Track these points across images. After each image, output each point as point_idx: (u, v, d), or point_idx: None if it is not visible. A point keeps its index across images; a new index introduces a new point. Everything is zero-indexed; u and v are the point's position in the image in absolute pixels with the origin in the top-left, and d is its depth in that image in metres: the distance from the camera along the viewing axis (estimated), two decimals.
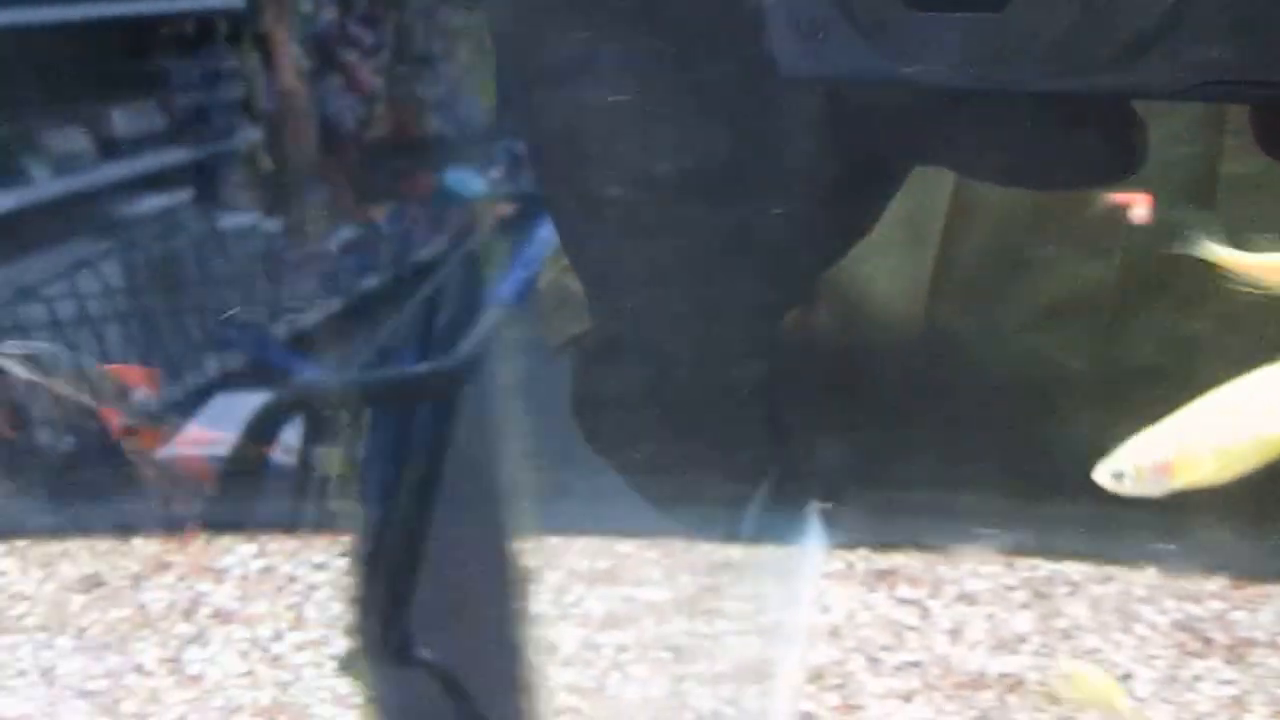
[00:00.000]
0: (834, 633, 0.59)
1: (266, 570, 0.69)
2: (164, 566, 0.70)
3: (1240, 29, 0.35)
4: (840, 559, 0.64)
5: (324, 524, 0.72)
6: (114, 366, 0.50)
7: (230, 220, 2.67)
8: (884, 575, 0.63)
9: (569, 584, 0.65)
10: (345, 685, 0.57)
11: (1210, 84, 0.38)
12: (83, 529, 0.75)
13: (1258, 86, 0.37)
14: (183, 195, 2.75)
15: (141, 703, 0.57)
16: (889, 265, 0.70)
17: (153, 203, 2.68)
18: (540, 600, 0.64)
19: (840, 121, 0.54)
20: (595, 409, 0.71)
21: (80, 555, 0.73)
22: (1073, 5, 0.38)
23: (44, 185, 2.49)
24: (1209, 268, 0.63)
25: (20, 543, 0.75)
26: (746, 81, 0.53)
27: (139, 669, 0.60)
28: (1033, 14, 0.38)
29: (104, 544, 0.74)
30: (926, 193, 0.68)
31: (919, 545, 0.65)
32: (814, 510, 0.65)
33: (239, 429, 1.03)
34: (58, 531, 0.75)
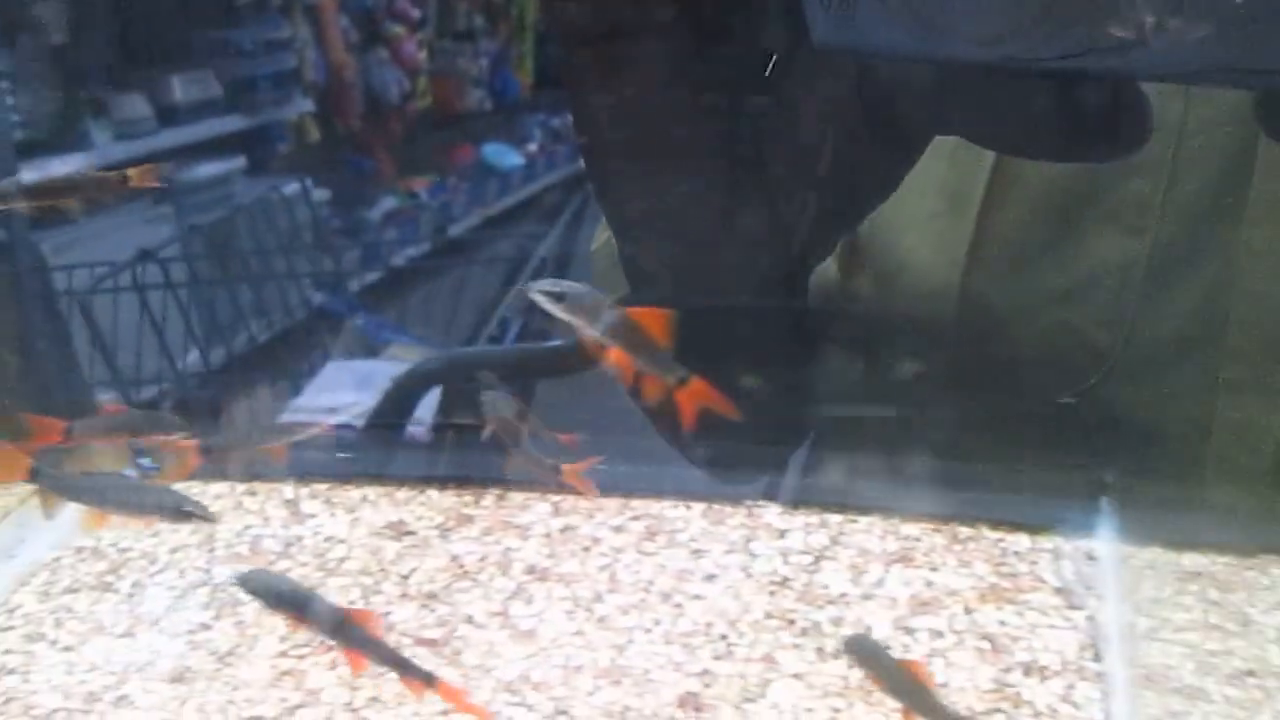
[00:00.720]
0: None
1: (567, 529, 0.71)
2: (466, 519, 0.73)
3: (1241, 17, 0.36)
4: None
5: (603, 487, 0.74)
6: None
7: (280, 188, 2.72)
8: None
9: (864, 563, 0.66)
10: (678, 652, 0.60)
11: (1214, 69, 0.38)
12: (375, 477, 0.79)
13: (1260, 73, 0.37)
14: (236, 163, 2.82)
15: (481, 655, 0.60)
16: (931, 235, 0.71)
17: (208, 169, 2.75)
18: (839, 576, 0.66)
19: (865, 90, 0.55)
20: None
21: (380, 503, 0.76)
22: None
23: (107, 149, 2.57)
24: (1237, 245, 0.63)
25: (320, 486, 0.78)
26: (779, 50, 0.55)
27: (470, 620, 0.63)
28: None
29: (401, 493, 0.77)
30: (969, 167, 0.68)
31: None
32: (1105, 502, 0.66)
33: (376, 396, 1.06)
34: (352, 478, 0.79)
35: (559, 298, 0.46)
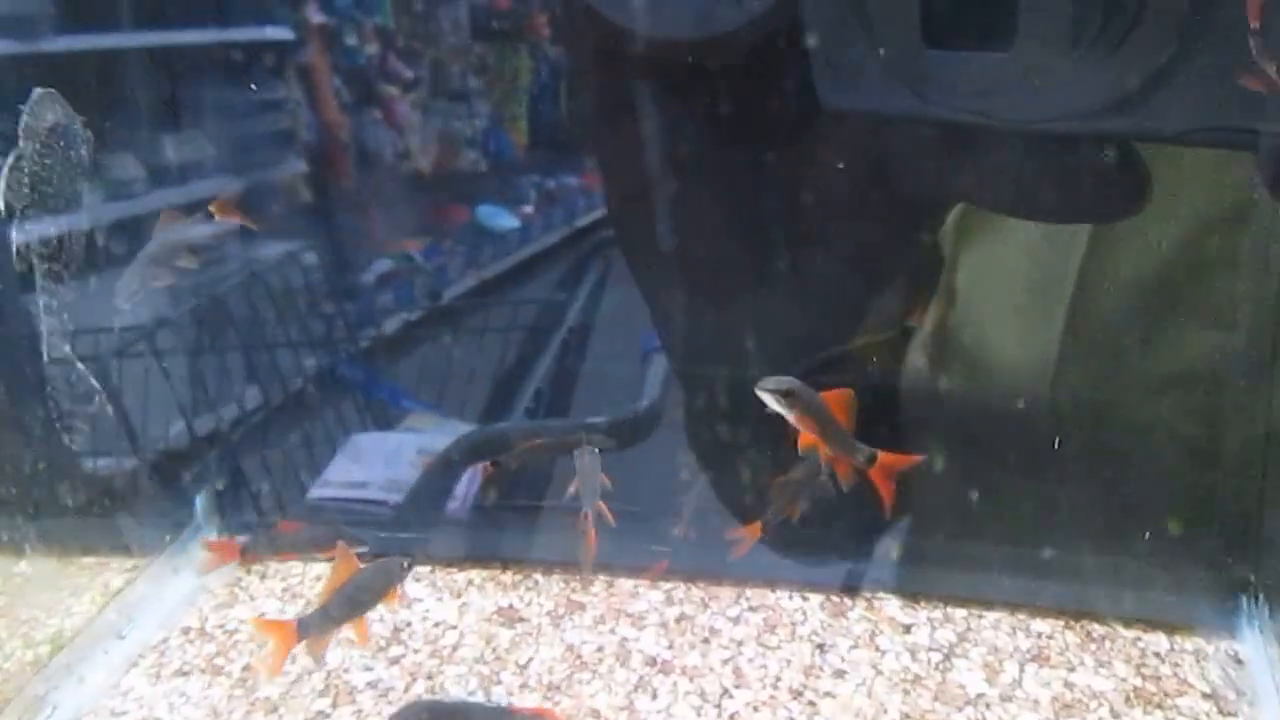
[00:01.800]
0: None
1: (683, 619, 0.70)
2: (577, 606, 0.72)
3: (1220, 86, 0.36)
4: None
5: (713, 573, 0.73)
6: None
7: (272, 250, 2.73)
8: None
9: (997, 662, 0.65)
10: None
11: (1213, 129, 0.38)
12: (480, 560, 0.78)
13: (1260, 133, 0.37)
14: (229, 225, 2.83)
15: None
16: (1018, 332, 0.70)
17: (200, 230, 2.76)
18: (974, 675, 0.64)
19: (874, 158, 0.55)
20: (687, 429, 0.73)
21: (487, 587, 0.75)
22: (1072, 46, 0.39)
23: (99, 210, 2.59)
24: None
25: (421, 569, 0.77)
26: (789, 117, 0.54)
27: (596, 715, 0.61)
28: (1036, 53, 0.39)
29: (506, 576, 0.76)
30: (1054, 263, 0.68)
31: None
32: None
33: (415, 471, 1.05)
34: (458, 561, 0.77)
35: (786, 395, 0.47)
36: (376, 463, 1.03)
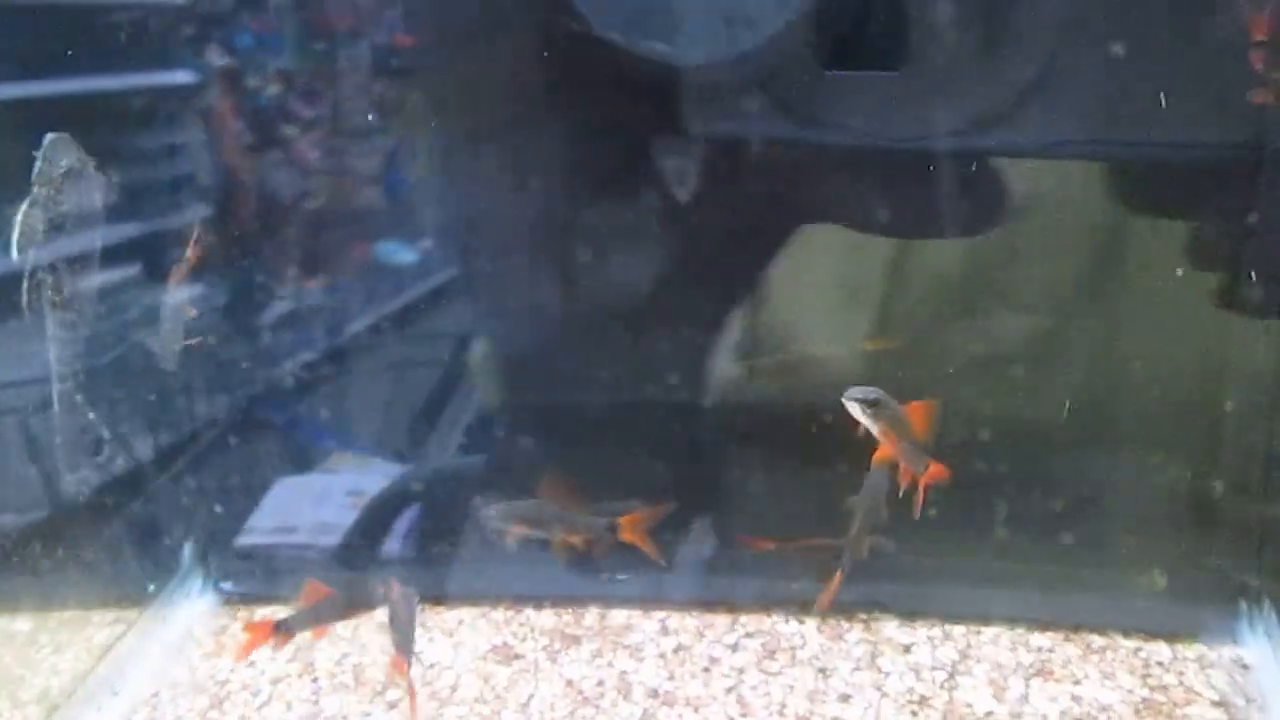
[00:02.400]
0: None
1: (680, 649, 0.69)
2: (572, 640, 0.71)
3: (1099, 95, 0.39)
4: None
5: (707, 600, 0.72)
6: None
7: (175, 295, 2.73)
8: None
9: (1002, 679, 0.64)
10: None
11: (1075, 143, 0.41)
12: (470, 598, 0.76)
13: (1116, 146, 0.40)
14: (130, 270, 2.82)
15: None
16: (829, 327, 0.71)
17: (101, 278, 2.75)
18: (980, 694, 0.63)
19: (736, 179, 0.56)
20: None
21: (479, 624, 0.73)
22: (957, 66, 0.42)
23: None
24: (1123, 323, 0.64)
25: None
26: (651, 140, 0.55)
27: None
28: (926, 73, 0.42)
29: (497, 614, 0.75)
30: (863, 259, 0.69)
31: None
32: None
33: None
34: (446, 599, 0.76)
35: (873, 405, 0.47)
36: (304, 506, 1.01)
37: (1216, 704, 0.59)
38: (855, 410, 0.50)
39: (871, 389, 0.50)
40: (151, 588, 0.75)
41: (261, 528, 0.84)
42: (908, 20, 0.44)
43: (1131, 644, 0.65)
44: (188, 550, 0.77)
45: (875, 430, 0.50)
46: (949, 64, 0.43)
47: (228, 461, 0.91)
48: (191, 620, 0.74)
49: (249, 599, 0.75)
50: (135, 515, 0.78)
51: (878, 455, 0.52)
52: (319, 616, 0.58)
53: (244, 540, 0.81)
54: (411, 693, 0.60)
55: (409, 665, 0.58)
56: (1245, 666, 0.62)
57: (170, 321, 0.59)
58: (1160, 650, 0.64)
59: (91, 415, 0.60)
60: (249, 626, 0.61)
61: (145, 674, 0.69)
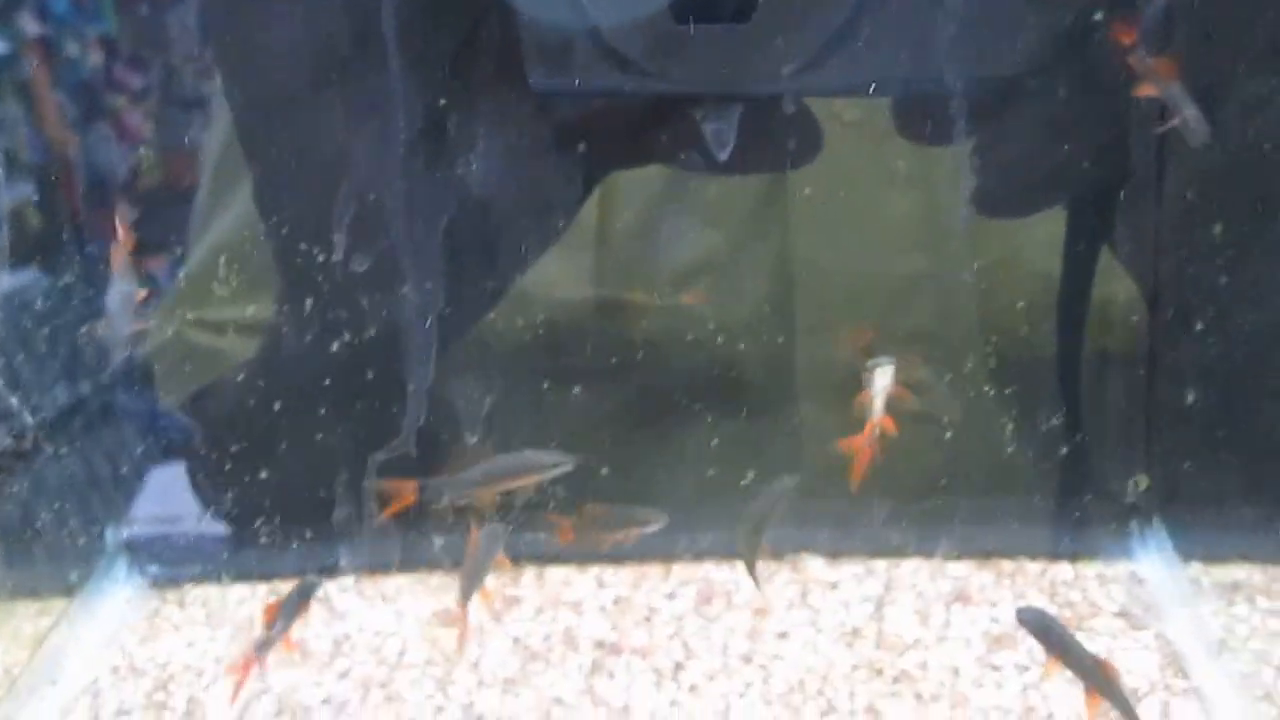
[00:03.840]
0: None
1: (620, 600, 0.72)
2: (513, 600, 0.73)
3: (894, 41, 0.48)
4: None
5: (654, 552, 0.75)
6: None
7: (121, 280, 2.62)
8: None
9: (925, 606, 0.69)
10: (783, 712, 0.61)
11: (878, 84, 0.48)
12: (403, 565, 0.77)
13: (906, 84, 0.47)
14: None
15: None
16: (556, 257, 0.72)
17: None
18: (903, 622, 0.68)
19: (557, 132, 0.61)
20: None
21: (417, 590, 0.75)
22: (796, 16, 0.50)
23: None
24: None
25: (347, 580, 0.76)
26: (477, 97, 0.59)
27: (560, 701, 0.63)
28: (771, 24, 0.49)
29: (434, 579, 0.76)
30: (752, 246, 0.75)
31: None
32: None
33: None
34: (382, 567, 0.77)
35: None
36: (185, 494, 0.99)
37: (1118, 614, 0.65)
38: (886, 377, 0.53)
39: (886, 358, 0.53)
40: (75, 576, 0.74)
41: (180, 509, 0.83)
42: None
43: (1038, 566, 0.70)
44: (109, 536, 0.75)
45: (886, 397, 0.52)
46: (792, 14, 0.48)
47: (143, 444, 0.89)
48: (121, 606, 0.73)
49: (178, 581, 0.74)
50: (54, 503, 0.77)
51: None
52: (286, 625, 0.58)
53: (164, 523, 0.80)
54: (461, 636, 0.63)
55: (467, 607, 0.60)
56: (1140, 580, 0.68)
57: (120, 306, 0.57)
58: (1064, 570, 0.70)
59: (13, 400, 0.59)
60: (230, 670, 0.61)
61: (81, 662, 0.68)
